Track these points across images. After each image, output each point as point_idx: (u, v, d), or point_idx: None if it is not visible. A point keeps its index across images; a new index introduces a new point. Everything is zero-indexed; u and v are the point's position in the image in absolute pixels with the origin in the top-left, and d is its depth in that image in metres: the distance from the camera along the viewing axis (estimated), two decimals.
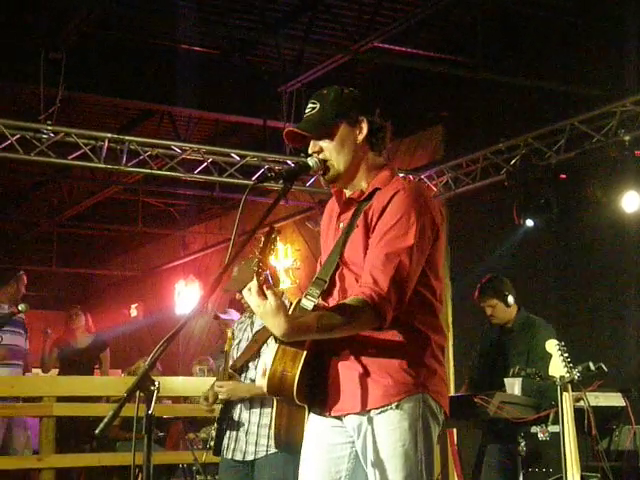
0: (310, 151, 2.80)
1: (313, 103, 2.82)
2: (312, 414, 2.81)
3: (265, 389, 2.73)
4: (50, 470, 5.92)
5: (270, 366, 2.70)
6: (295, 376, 2.65)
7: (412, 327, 2.73)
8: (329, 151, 2.78)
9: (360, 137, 2.80)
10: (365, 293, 2.61)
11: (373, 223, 2.73)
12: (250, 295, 2.53)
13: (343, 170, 2.80)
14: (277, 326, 2.53)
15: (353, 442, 2.77)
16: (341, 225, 2.85)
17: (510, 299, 5.68)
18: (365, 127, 2.80)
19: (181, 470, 6.88)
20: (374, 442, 2.69)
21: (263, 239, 2.55)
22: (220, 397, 4.34)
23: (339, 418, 2.77)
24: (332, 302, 2.77)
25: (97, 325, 9.36)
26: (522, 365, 5.21)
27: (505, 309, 5.70)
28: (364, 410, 2.70)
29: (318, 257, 3.02)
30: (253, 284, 2.52)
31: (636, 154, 6.76)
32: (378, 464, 2.67)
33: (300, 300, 2.75)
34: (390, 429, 2.68)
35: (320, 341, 2.71)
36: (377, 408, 2.69)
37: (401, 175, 2.88)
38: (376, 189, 2.79)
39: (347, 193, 2.88)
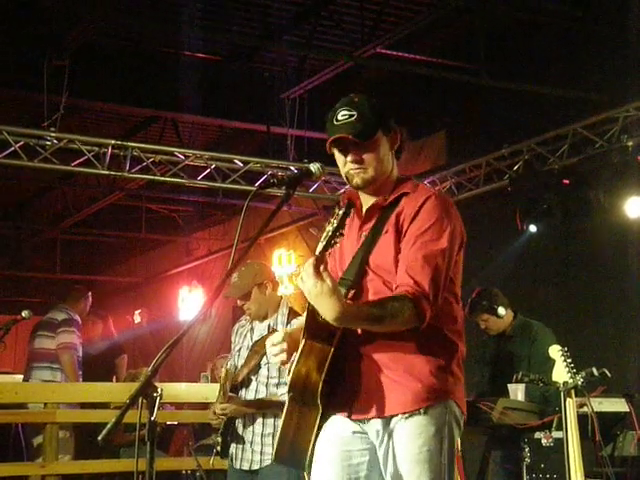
0: (350, 159, 2.77)
1: (349, 110, 2.76)
2: (330, 418, 2.76)
3: (288, 385, 2.70)
4: (53, 477, 5.92)
5: (296, 362, 2.66)
6: (321, 377, 2.63)
7: (441, 334, 2.74)
8: (369, 160, 2.77)
9: (394, 146, 2.83)
10: (408, 292, 2.61)
11: (405, 227, 2.73)
12: (305, 275, 2.48)
13: (378, 177, 2.80)
14: (331, 308, 2.49)
15: (371, 449, 2.75)
16: (363, 234, 2.83)
17: (501, 310, 5.64)
18: (399, 137, 2.84)
19: (184, 476, 6.87)
20: (399, 446, 2.68)
21: (341, 212, 2.50)
22: (221, 417, 4.36)
23: (360, 422, 2.75)
24: None
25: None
26: (524, 370, 5.20)
27: (497, 320, 5.68)
28: (392, 414, 2.69)
29: None
30: (309, 264, 2.49)
31: (639, 159, 6.76)
32: (402, 468, 2.66)
33: None
34: (417, 433, 2.67)
35: (347, 341, 2.70)
36: (405, 413, 2.68)
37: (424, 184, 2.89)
38: (403, 194, 2.79)
39: (365, 202, 2.86)
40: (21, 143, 7.56)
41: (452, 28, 8.00)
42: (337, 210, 2.55)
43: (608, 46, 7.26)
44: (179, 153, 8.41)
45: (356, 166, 2.77)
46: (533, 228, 7.44)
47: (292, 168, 8.53)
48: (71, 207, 12.38)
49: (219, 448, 4.41)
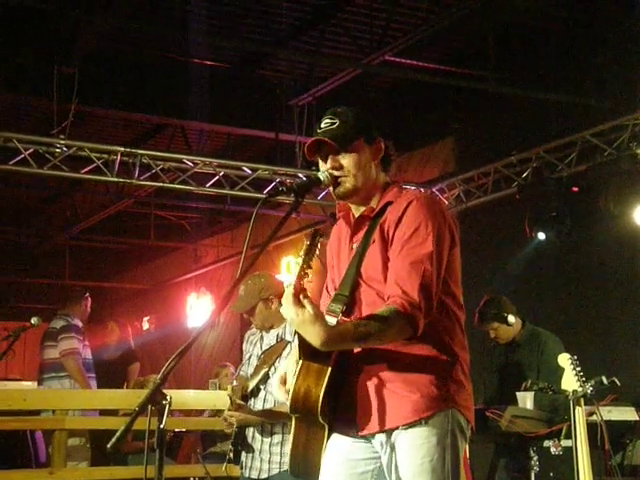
0: (329, 165, 2.78)
1: (331, 119, 2.80)
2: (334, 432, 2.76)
3: (286, 407, 2.70)
4: None
5: (294, 383, 2.65)
6: (320, 394, 2.61)
7: (440, 340, 2.71)
8: (349, 167, 2.77)
9: (378, 156, 2.82)
10: (396, 302, 2.58)
11: (390, 235, 2.72)
12: (286, 305, 2.50)
13: (360, 187, 2.79)
14: (316, 335, 2.49)
15: (377, 458, 2.74)
16: (354, 246, 2.82)
17: (511, 318, 5.62)
18: (382, 147, 2.83)
19: None
20: (402, 457, 2.65)
21: (307, 243, 2.52)
22: (230, 425, 4.38)
23: (364, 437, 2.73)
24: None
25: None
26: (533, 378, 5.18)
27: (507, 328, 5.66)
28: (393, 427, 2.67)
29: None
30: (289, 292, 2.50)
31: None
32: (406, 479, 2.65)
33: None
34: (418, 444, 2.65)
35: (345, 357, 2.68)
36: (406, 424, 2.65)
37: (412, 188, 2.88)
38: (388, 203, 2.79)
39: (356, 212, 2.86)
40: (31, 150, 7.59)
41: (460, 35, 8.01)
42: (305, 241, 2.55)
43: (617, 53, 7.25)
44: (188, 160, 8.43)
45: (336, 173, 2.77)
46: (542, 235, 7.42)
47: (300, 175, 8.54)
48: (80, 214, 12.42)
49: (231, 455, 4.43)
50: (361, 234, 2.82)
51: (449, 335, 2.74)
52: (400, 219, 2.71)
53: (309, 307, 2.49)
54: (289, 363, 2.77)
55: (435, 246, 2.66)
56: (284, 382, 2.73)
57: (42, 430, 6.85)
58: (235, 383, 4.42)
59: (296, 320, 2.50)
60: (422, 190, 2.72)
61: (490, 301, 5.71)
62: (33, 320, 6.32)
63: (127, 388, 8.43)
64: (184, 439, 8.09)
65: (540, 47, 7.86)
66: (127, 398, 6.41)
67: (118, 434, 2.18)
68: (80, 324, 7.32)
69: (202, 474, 6.05)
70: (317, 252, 2.57)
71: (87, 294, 7.63)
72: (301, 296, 2.50)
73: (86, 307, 7.54)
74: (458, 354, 2.74)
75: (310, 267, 2.52)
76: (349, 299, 2.75)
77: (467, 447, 5.10)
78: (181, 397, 6.43)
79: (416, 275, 2.62)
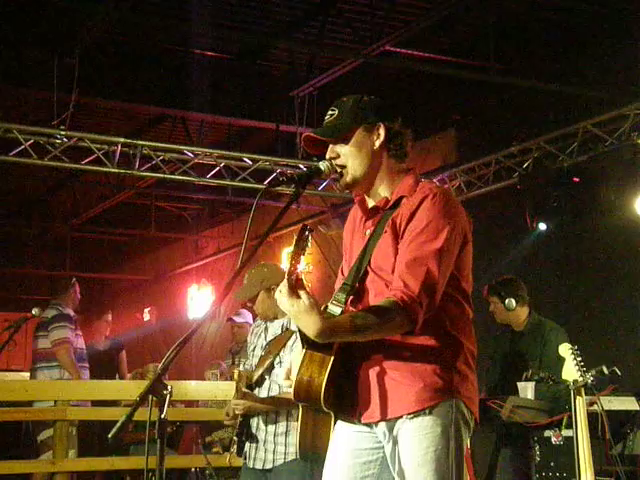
0: (327, 157, 2.77)
1: (332, 110, 2.80)
2: (339, 420, 2.77)
3: (291, 395, 2.71)
4: (64, 474, 5.94)
5: (297, 372, 2.66)
6: (322, 382, 2.61)
7: (445, 332, 2.70)
8: (346, 156, 2.76)
9: (377, 142, 2.78)
10: (396, 296, 2.58)
11: (402, 228, 2.70)
12: (281, 296, 2.50)
13: (360, 175, 2.77)
14: (311, 325, 2.49)
15: (380, 448, 2.74)
16: (367, 232, 2.82)
17: (509, 303, 5.62)
18: (382, 133, 2.78)
19: (194, 474, 6.89)
20: (405, 447, 2.65)
21: (296, 238, 2.52)
22: (237, 413, 4.37)
23: (368, 424, 2.73)
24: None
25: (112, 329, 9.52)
26: (535, 369, 5.19)
27: (503, 311, 5.68)
28: (397, 416, 2.67)
29: (330, 260, 3.01)
30: (283, 284, 2.50)
31: None
32: (409, 470, 2.64)
33: (327, 306, 2.71)
34: (422, 434, 2.64)
35: (348, 346, 2.68)
36: (410, 413, 2.65)
37: (425, 180, 2.84)
38: (402, 197, 2.77)
39: (370, 201, 2.85)
40: (31, 141, 7.59)
41: (462, 25, 7.98)
42: (294, 236, 2.56)
43: (618, 43, 7.23)
44: (188, 151, 8.43)
45: (335, 162, 2.76)
46: (543, 226, 7.43)
47: (301, 166, 8.53)
48: (81, 205, 12.42)
49: (235, 446, 4.42)
50: (374, 222, 2.81)
51: (456, 326, 2.73)
52: (413, 213, 2.69)
53: (304, 297, 2.49)
54: (295, 355, 2.77)
55: (445, 243, 2.64)
56: (289, 375, 2.74)
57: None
58: (241, 368, 4.42)
59: (292, 311, 2.50)
60: (437, 183, 2.69)
61: (505, 279, 5.81)
62: (34, 311, 6.34)
63: (122, 375, 8.53)
64: (185, 430, 8.11)
65: (541, 37, 7.84)
66: (129, 389, 6.43)
67: (119, 424, 2.18)
68: (72, 313, 7.30)
69: (203, 464, 6.07)
70: (308, 245, 2.57)
71: (74, 280, 7.61)
72: (297, 286, 2.50)
73: (75, 294, 7.51)
74: (464, 345, 2.74)
75: (299, 262, 2.52)
76: (355, 288, 2.74)
77: (468, 438, 5.13)
78: (182, 388, 6.45)
79: (420, 270, 2.60)
